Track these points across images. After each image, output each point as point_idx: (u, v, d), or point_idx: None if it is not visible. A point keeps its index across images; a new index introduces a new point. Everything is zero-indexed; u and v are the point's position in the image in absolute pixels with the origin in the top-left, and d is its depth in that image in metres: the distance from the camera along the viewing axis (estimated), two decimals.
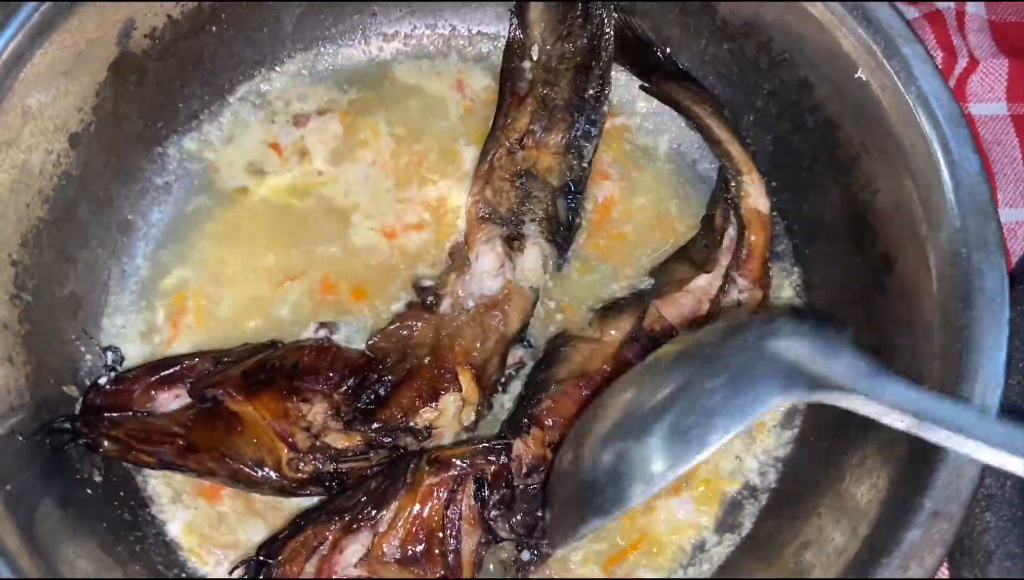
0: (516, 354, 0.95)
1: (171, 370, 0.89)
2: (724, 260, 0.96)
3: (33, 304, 0.90)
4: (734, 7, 0.97)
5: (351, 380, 0.88)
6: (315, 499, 0.91)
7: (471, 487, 0.83)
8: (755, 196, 0.96)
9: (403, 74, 1.09)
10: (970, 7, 1.19)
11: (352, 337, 0.97)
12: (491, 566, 0.88)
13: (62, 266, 0.94)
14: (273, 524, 0.92)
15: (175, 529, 0.92)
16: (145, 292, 0.99)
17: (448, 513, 0.82)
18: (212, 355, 0.91)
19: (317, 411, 0.86)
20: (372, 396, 0.88)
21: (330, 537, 0.81)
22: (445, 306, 0.93)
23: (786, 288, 1.01)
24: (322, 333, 0.95)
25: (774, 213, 1.01)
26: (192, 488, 0.93)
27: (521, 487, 0.84)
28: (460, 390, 0.88)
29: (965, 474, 0.73)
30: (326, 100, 1.07)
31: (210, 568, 0.91)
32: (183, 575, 0.90)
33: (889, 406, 0.62)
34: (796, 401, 0.64)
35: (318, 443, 0.85)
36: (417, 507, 0.82)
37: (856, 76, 0.88)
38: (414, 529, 0.82)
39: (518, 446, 0.84)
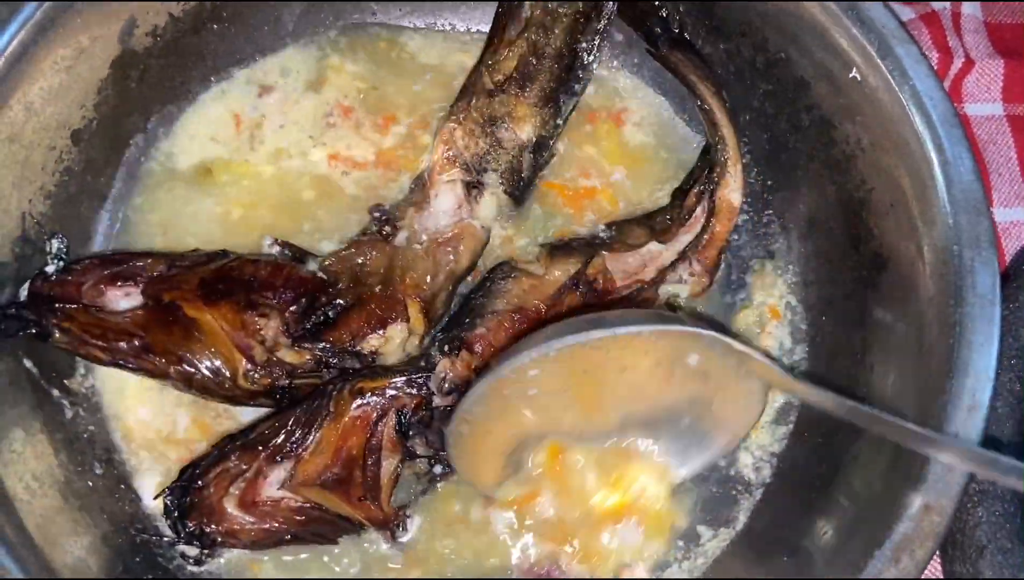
0: None
1: (122, 267, 0.89)
2: (683, 237, 0.98)
3: None
4: (731, 8, 0.97)
5: (303, 300, 0.89)
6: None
7: (393, 419, 0.86)
8: (732, 188, 0.97)
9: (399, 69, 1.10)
10: (966, 8, 1.20)
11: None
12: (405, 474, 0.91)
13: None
14: None
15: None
16: None
17: (371, 442, 0.85)
18: (165, 256, 0.91)
19: (270, 326, 0.87)
20: (321, 317, 0.89)
21: (254, 465, 0.84)
22: (400, 238, 0.95)
23: (780, 285, 1.02)
24: (275, 249, 0.94)
25: (769, 211, 1.02)
26: None
27: (440, 407, 0.86)
28: (408, 321, 0.90)
29: (956, 469, 0.74)
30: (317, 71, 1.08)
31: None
32: (183, 565, 0.90)
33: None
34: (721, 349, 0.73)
35: (274, 358, 0.87)
36: (339, 436, 0.85)
37: (851, 76, 0.89)
38: (336, 456, 0.85)
39: (444, 364, 0.87)
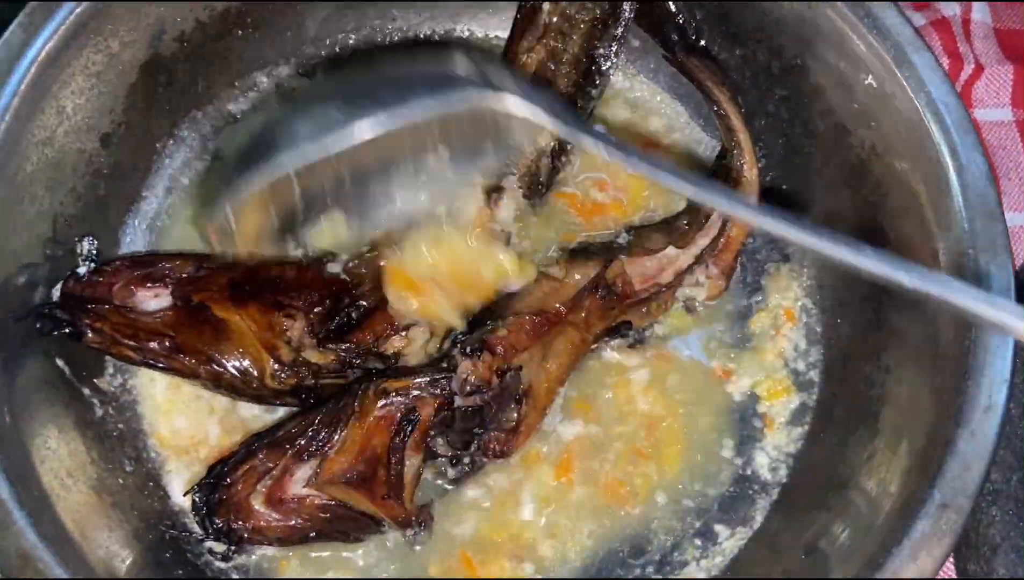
0: None
1: (152, 268, 0.91)
2: (701, 241, 0.99)
3: None
4: (747, 14, 0.99)
5: (327, 301, 0.91)
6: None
7: (426, 414, 0.87)
8: (749, 192, 0.98)
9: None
10: (976, 15, 1.21)
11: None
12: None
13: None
14: None
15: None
16: None
17: (395, 441, 0.86)
18: (194, 257, 0.93)
19: (296, 327, 0.89)
20: (344, 318, 0.91)
21: (281, 463, 0.85)
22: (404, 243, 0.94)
23: (795, 288, 1.03)
24: (299, 252, 0.94)
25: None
26: None
27: (462, 407, 0.87)
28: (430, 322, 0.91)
29: (973, 468, 0.75)
30: None
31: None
32: (211, 561, 0.92)
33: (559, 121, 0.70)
34: (483, 104, 0.69)
35: (300, 358, 0.89)
36: (364, 435, 0.86)
37: (867, 82, 0.90)
38: (361, 454, 0.86)
39: (465, 365, 0.88)
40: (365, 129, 0.66)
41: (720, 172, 1.01)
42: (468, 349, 0.89)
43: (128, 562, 0.84)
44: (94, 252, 0.94)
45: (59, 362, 0.90)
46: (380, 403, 0.86)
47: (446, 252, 0.90)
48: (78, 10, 0.87)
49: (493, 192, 0.98)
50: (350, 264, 0.94)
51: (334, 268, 0.94)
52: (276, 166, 0.69)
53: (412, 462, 0.88)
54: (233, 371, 0.88)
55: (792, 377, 1.00)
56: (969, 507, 0.75)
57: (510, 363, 0.89)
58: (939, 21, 1.21)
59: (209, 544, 0.88)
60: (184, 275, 0.91)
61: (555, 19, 1.01)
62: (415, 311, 0.91)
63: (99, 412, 0.93)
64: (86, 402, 0.92)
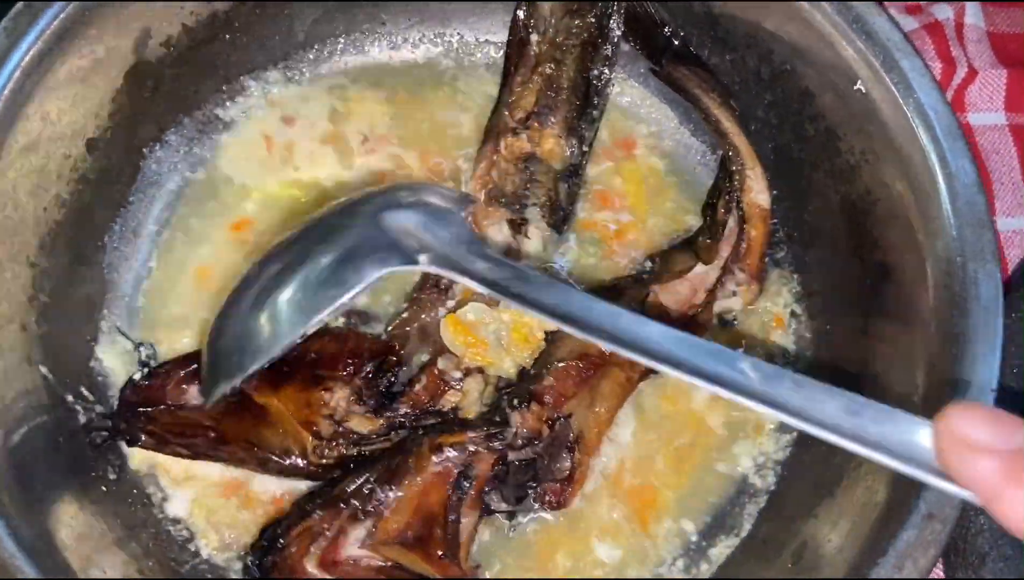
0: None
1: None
2: (724, 252, 0.98)
3: (50, 305, 0.91)
4: (736, 20, 0.98)
5: (370, 364, 0.90)
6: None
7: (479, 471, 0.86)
8: (757, 190, 0.98)
9: (409, 81, 1.10)
10: (969, 19, 1.20)
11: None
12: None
13: (78, 268, 0.96)
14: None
15: (191, 525, 0.94)
16: (158, 295, 1.00)
17: (452, 499, 0.85)
18: None
19: (340, 398, 0.89)
20: (392, 379, 0.91)
21: (336, 523, 0.84)
22: (457, 289, 0.95)
23: (785, 294, 1.03)
24: (340, 320, 0.96)
25: (774, 221, 1.03)
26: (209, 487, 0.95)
27: (515, 461, 0.87)
28: (482, 372, 0.91)
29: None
30: (330, 104, 1.09)
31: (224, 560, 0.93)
32: (197, 568, 0.92)
33: (472, 275, 0.69)
34: (402, 271, 0.73)
35: (341, 429, 0.88)
36: (420, 493, 0.84)
37: (856, 88, 0.89)
38: (416, 513, 0.84)
39: (515, 418, 0.87)
40: (307, 330, 0.74)
41: (725, 177, 1.00)
42: (516, 401, 0.88)
43: (110, 572, 0.83)
44: (152, 357, 0.96)
45: (43, 369, 0.89)
46: (435, 459, 0.85)
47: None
48: (62, 15, 0.86)
49: (518, 225, 0.98)
50: (390, 327, 0.95)
51: (377, 328, 0.95)
52: (245, 373, 0.78)
53: (468, 519, 0.86)
54: (276, 454, 0.89)
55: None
56: (955, 517, 0.74)
57: (559, 411, 0.88)
58: (932, 25, 1.21)
59: None
60: None
61: (545, 48, 1.01)
62: (471, 361, 0.91)
63: (82, 419, 0.92)
64: (69, 408, 0.92)
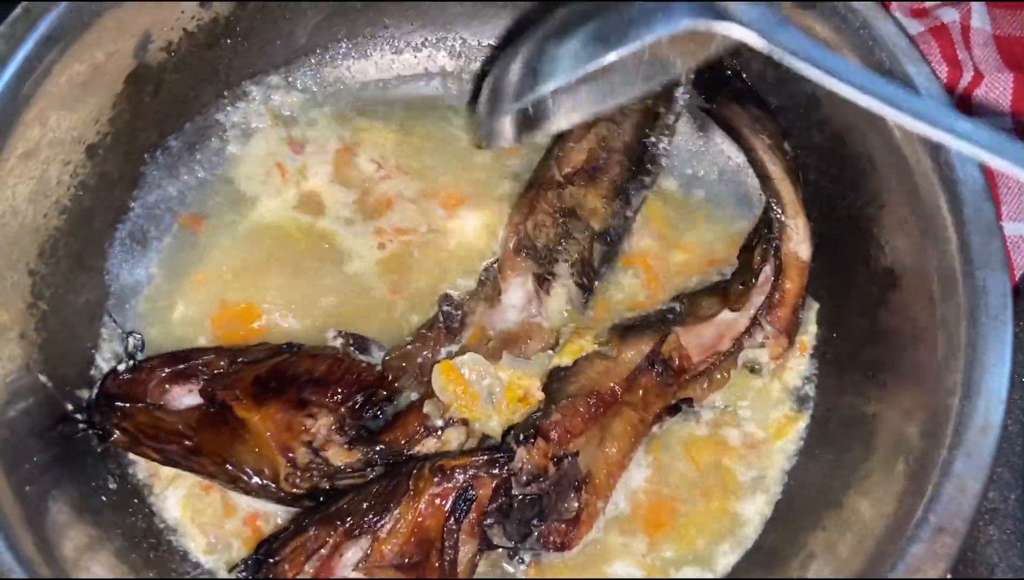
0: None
1: (187, 364, 0.90)
2: (757, 301, 0.95)
3: (49, 313, 0.91)
4: None
5: (359, 395, 0.89)
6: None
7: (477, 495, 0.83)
8: (797, 241, 0.94)
9: (412, 90, 1.10)
10: (975, 22, 1.20)
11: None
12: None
13: (78, 275, 0.95)
14: None
15: (186, 535, 0.93)
16: (160, 302, 1.00)
17: (450, 523, 0.83)
18: (229, 353, 0.91)
19: (321, 425, 0.87)
20: (378, 414, 0.89)
21: (331, 541, 0.83)
22: (465, 336, 0.94)
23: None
24: (339, 342, 0.95)
25: None
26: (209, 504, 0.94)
27: (519, 496, 0.84)
28: (466, 424, 0.88)
29: (969, 490, 0.74)
30: (335, 123, 1.08)
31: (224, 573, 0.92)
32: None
33: (784, 49, 0.67)
34: (704, 28, 0.69)
35: (317, 459, 0.86)
36: (418, 515, 0.83)
37: None
38: (414, 536, 0.83)
39: (521, 454, 0.84)
40: (612, 57, 0.71)
41: (765, 223, 0.97)
42: (521, 436, 0.86)
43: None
44: (139, 348, 0.95)
45: (42, 378, 0.89)
46: (435, 480, 0.83)
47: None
48: (62, 20, 0.85)
49: (543, 281, 0.96)
50: (388, 357, 0.93)
51: (374, 357, 0.93)
52: (540, 92, 0.75)
53: (467, 548, 0.84)
54: (248, 474, 0.87)
55: (795, 404, 0.98)
56: (965, 530, 0.73)
57: (566, 449, 0.86)
58: (938, 28, 1.20)
59: None
60: (217, 371, 0.90)
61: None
62: (457, 412, 0.89)
63: (82, 427, 0.92)
64: (69, 417, 0.91)
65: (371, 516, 0.83)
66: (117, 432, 0.88)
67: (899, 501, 0.79)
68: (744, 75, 1.00)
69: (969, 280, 0.80)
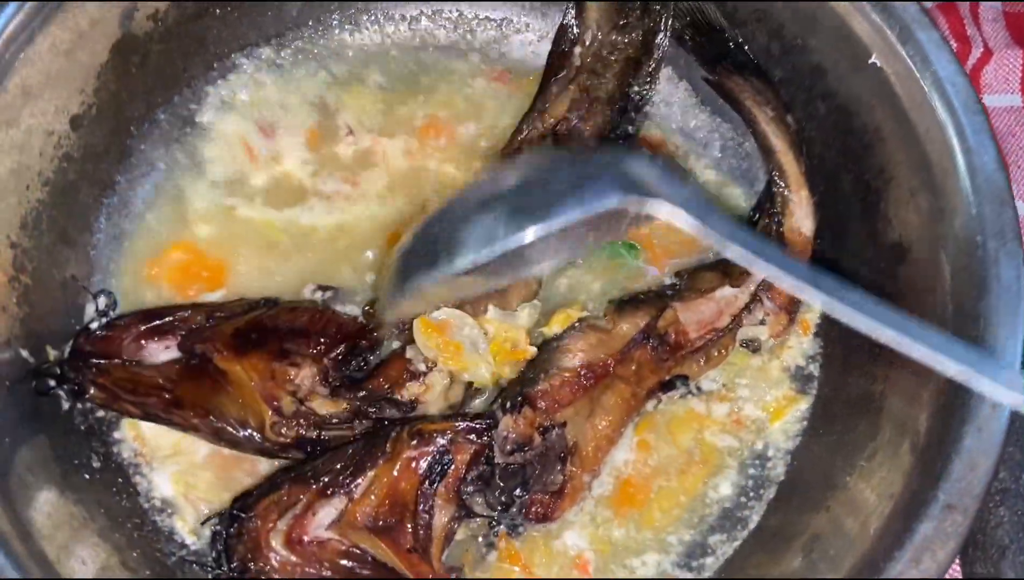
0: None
1: (163, 320, 0.89)
2: (757, 276, 0.93)
3: (32, 287, 0.89)
4: None
5: (341, 346, 0.88)
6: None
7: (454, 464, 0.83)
8: (800, 216, 0.93)
9: (406, 62, 1.07)
10: None
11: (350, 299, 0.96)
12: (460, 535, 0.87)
13: (62, 249, 0.93)
14: None
15: (174, 515, 0.91)
16: (146, 278, 0.97)
17: (424, 487, 0.81)
18: (206, 308, 0.90)
19: (305, 375, 0.86)
20: (362, 364, 0.88)
21: (304, 499, 0.81)
22: None
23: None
24: (318, 295, 0.94)
25: None
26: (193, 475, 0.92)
27: (502, 464, 0.83)
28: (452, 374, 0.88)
29: (980, 467, 0.72)
30: (328, 93, 1.05)
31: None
32: (183, 559, 0.89)
33: (709, 228, 0.67)
34: (634, 208, 0.68)
35: (303, 408, 0.85)
36: (394, 478, 0.81)
37: (870, 62, 0.86)
38: (388, 499, 0.81)
39: (506, 422, 0.83)
40: (520, 239, 0.68)
41: (768, 198, 0.96)
42: (508, 404, 0.84)
43: (90, 563, 0.80)
44: (111, 306, 0.93)
45: (23, 353, 0.87)
46: (413, 443, 0.82)
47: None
48: None
49: None
50: (368, 307, 0.92)
51: (353, 310, 0.92)
52: (441, 270, 0.71)
53: (443, 514, 0.83)
54: (231, 424, 0.85)
55: (795, 384, 0.96)
56: (976, 508, 0.71)
57: (553, 419, 0.84)
58: (947, 4, 1.17)
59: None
60: (194, 326, 0.88)
61: (588, 60, 0.99)
62: (444, 365, 0.88)
63: (65, 406, 0.89)
64: (52, 395, 0.88)
65: (346, 476, 0.82)
66: (93, 388, 0.87)
67: (907, 479, 0.77)
68: (746, 47, 0.98)
69: (981, 251, 0.78)
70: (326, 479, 0.82)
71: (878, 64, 0.86)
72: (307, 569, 0.82)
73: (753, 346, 0.95)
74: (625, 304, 0.92)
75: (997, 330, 0.75)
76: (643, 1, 0.98)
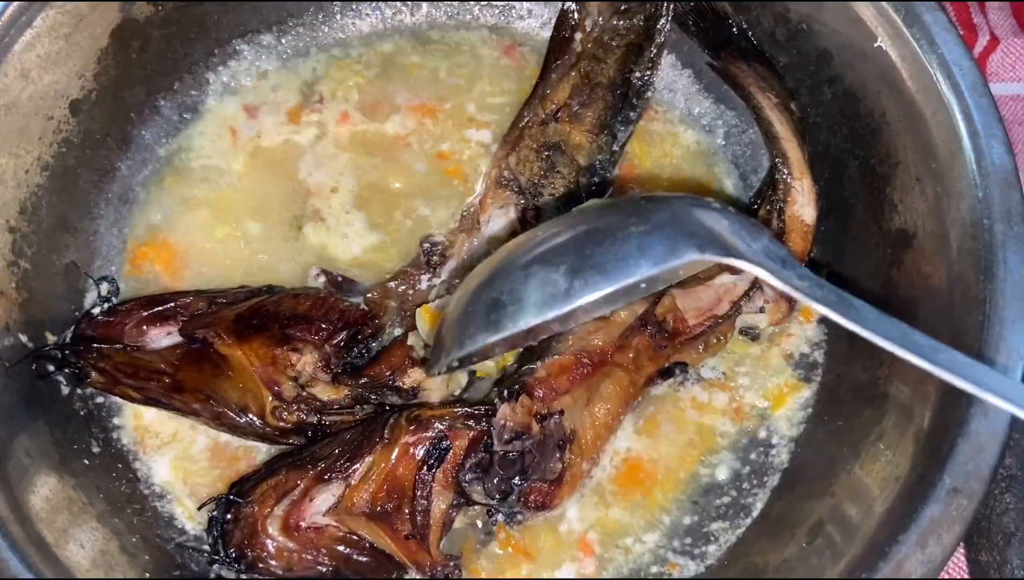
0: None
1: (165, 306, 0.89)
2: None
3: (31, 272, 0.88)
4: None
5: (344, 333, 0.87)
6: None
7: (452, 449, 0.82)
8: (802, 204, 0.92)
9: (409, 47, 1.06)
10: None
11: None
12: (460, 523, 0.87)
13: (62, 235, 0.93)
14: None
15: (173, 501, 0.91)
16: (147, 264, 0.97)
17: (422, 473, 0.81)
18: (207, 295, 0.91)
19: (307, 361, 0.86)
20: (364, 351, 0.88)
21: (302, 484, 0.81)
22: (448, 267, 0.93)
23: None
24: (321, 280, 0.93)
25: None
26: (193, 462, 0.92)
27: (500, 453, 0.82)
28: None
29: (986, 450, 0.71)
30: (332, 75, 1.05)
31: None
32: (183, 544, 0.89)
33: (792, 285, 0.67)
34: (709, 260, 0.68)
35: (304, 394, 0.85)
36: (392, 464, 0.81)
37: (876, 45, 0.85)
38: (386, 485, 0.81)
39: (504, 410, 0.82)
40: (590, 298, 0.68)
41: (770, 184, 0.95)
42: (505, 392, 0.83)
43: (89, 547, 0.80)
44: (114, 293, 0.93)
45: (22, 338, 0.86)
46: (411, 429, 0.81)
47: None
48: None
49: (528, 211, 0.94)
50: (370, 294, 0.92)
51: (356, 297, 0.92)
52: (506, 329, 0.70)
53: (441, 501, 0.82)
54: (232, 409, 0.85)
55: (799, 371, 0.95)
56: (982, 492, 0.70)
57: (551, 408, 0.83)
58: None
59: (217, 570, 0.83)
60: (195, 312, 0.89)
61: (589, 46, 0.98)
62: None
63: (65, 391, 0.89)
64: (52, 381, 0.88)
65: (344, 462, 0.81)
66: (94, 373, 0.87)
67: (912, 463, 0.76)
68: (749, 33, 0.97)
69: (988, 235, 0.77)
70: (323, 464, 0.81)
71: (884, 48, 0.85)
72: (304, 555, 0.81)
73: (752, 334, 0.95)
74: None
75: (1003, 313, 0.74)
76: None
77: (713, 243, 0.68)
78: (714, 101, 1.05)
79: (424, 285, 0.92)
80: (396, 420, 0.82)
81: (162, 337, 0.88)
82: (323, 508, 0.81)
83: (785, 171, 0.93)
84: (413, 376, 0.87)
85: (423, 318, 0.87)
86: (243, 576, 0.82)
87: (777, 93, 0.94)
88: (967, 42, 1.12)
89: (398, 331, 0.91)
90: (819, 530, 0.82)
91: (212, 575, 0.83)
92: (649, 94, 1.00)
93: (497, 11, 1.07)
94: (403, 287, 0.92)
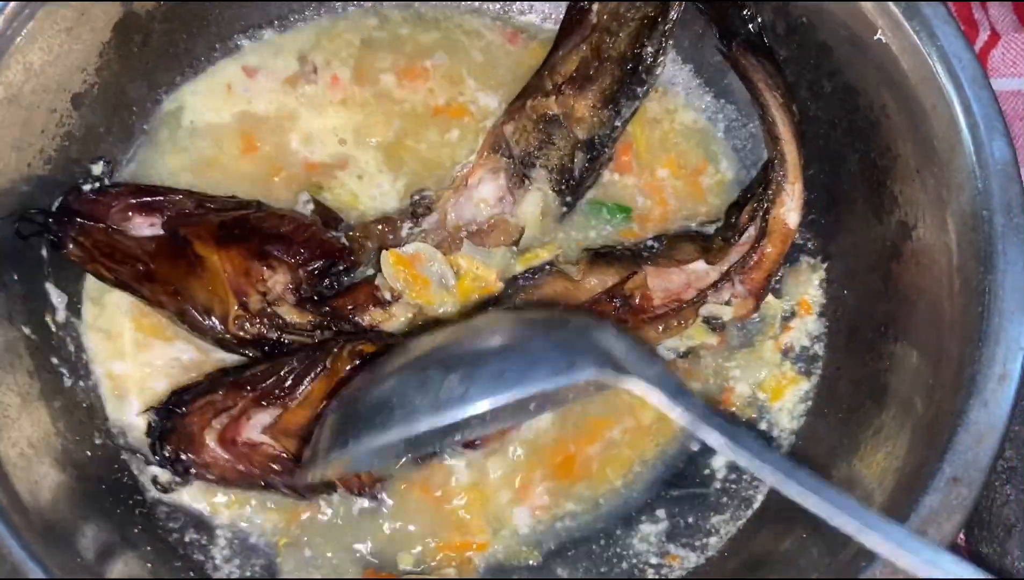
0: None
1: (153, 198, 0.91)
2: (733, 258, 0.93)
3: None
4: None
5: (320, 261, 0.89)
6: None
7: None
8: (789, 207, 0.92)
9: (416, 37, 1.07)
10: None
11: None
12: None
13: None
14: None
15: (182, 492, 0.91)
16: None
17: None
18: (197, 197, 0.92)
19: (278, 280, 0.88)
20: (335, 282, 0.91)
21: (240, 404, 0.83)
22: (430, 220, 0.94)
23: (801, 260, 0.98)
24: (310, 208, 0.94)
25: None
26: None
27: None
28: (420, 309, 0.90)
29: (985, 440, 0.71)
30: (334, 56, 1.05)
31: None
32: (186, 536, 0.89)
33: (682, 412, 0.67)
34: (606, 380, 0.68)
35: (269, 310, 0.87)
36: (328, 393, 0.83)
37: (876, 38, 0.86)
38: (322, 412, 0.82)
39: None
40: (485, 406, 0.67)
41: (760, 183, 0.95)
42: None
43: (91, 537, 0.80)
44: (106, 174, 0.94)
45: (25, 330, 0.87)
46: (352, 364, 0.83)
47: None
48: None
49: (517, 180, 0.95)
50: (352, 231, 0.93)
51: (338, 231, 0.93)
52: (391, 432, 0.69)
53: None
54: (197, 308, 0.87)
55: (799, 365, 0.96)
56: (982, 481, 0.71)
57: None
58: None
59: (154, 471, 0.87)
60: (183, 210, 0.90)
61: (604, 18, 0.98)
62: (411, 299, 0.89)
63: (68, 382, 0.89)
64: (54, 371, 0.89)
65: (283, 389, 0.84)
66: (72, 245, 0.88)
67: (912, 453, 0.76)
68: (761, 28, 0.97)
69: (987, 226, 0.77)
70: (263, 387, 0.84)
71: (884, 40, 0.85)
72: (237, 466, 0.85)
73: (715, 323, 0.95)
74: (599, 257, 0.92)
75: (1003, 304, 0.74)
76: None
77: (611, 363, 0.69)
78: (715, 96, 1.05)
79: (404, 233, 0.94)
80: (338, 352, 0.84)
81: (144, 226, 0.90)
82: (259, 427, 0.84)
83: (780, 172, 0.93)
84: (374, 316, 0.89)
85: (388, 261, 0.90)
86: (176, 480, 0.86)
87: (783, 93, 0.94)
88: (968, 37, 1.13)
89: (371, 272, 0.93)
90: (819, 521, 0.82)
91: (150, 476, 0.88)
92: (659, 71, 0.99)
93: (497, 7, 1.08)
94: (385, 229, 0.93)
